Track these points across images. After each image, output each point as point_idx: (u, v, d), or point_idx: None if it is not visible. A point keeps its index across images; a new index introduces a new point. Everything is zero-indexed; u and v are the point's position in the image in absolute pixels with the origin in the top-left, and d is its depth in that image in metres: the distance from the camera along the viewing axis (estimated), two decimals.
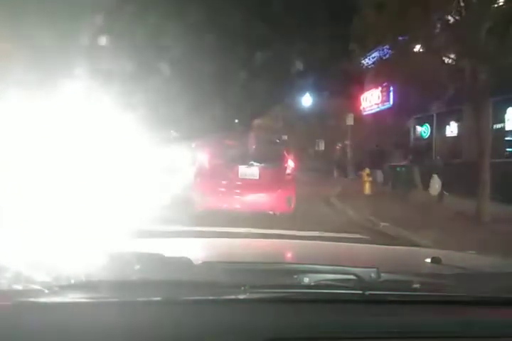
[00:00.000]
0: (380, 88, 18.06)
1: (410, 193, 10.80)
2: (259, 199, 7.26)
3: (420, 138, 15.63)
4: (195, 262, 1.14)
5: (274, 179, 7.44)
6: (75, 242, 1.84)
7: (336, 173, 20.62)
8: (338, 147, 22.13)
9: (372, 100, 18.92)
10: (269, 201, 7.32)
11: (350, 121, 18.95)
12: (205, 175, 7.56)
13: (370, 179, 12.02)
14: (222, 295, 1.07)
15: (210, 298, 1.06)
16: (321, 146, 26.12)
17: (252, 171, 7.47)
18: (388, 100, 17.33)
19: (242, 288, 1.06)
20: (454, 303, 1.12)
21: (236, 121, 34.01)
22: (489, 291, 1.18)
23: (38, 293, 1.02)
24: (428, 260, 1.43)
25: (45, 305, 1.01)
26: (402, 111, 15.68)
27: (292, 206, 7.42)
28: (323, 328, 1.03)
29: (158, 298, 1.04)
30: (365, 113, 19.60)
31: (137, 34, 15.11)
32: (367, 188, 11.90)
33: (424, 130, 15.45)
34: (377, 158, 16.14)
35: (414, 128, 16.03)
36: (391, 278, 1.16)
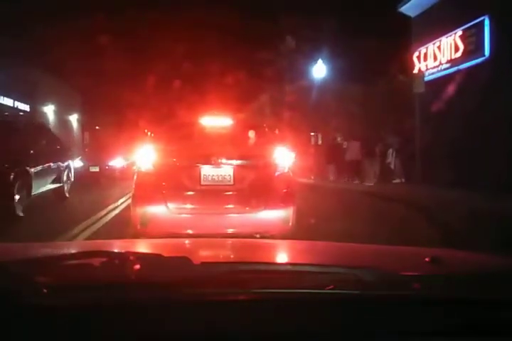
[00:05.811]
0: (459, 32, 10.97)
1: None
2: (236, 218, 4.73)
3: None
4: (195, 262, 1.13)
5: (258, 183, 4.79)
6: (75, 242, 1.76)
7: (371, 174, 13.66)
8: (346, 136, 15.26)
9: (440, 56, 11.82)
10: (253, 219, 4.66)
11: (419, 86, 10.34)
12: (147, 183, 4.89)
13: None
14: (222, 296, 1.07)
15: (210, 298, 1.06)
16: (318, 140, 21.76)
17: (222, 173, 4.77)
18: (481, 49, 10.26)
19: (243, 288, 1.07)
20: (454, 303, 1.11)
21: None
22: (489, 291, 1.15)
23: (37, 293, 1.01)
24: (428, 260, 1.38)
25: (44, 305, 1.01)
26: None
27: (290, 224, 4.72)
28: (323, 328, 1.04)
29: (158, 298, 1.04)
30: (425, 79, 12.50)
31: None
32: None
33: None
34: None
35: None
36: (391, 278, 1.17)
